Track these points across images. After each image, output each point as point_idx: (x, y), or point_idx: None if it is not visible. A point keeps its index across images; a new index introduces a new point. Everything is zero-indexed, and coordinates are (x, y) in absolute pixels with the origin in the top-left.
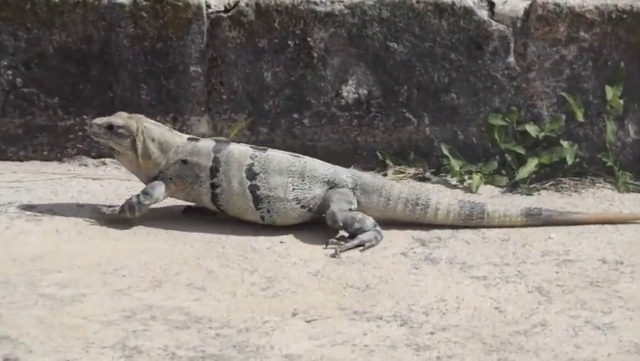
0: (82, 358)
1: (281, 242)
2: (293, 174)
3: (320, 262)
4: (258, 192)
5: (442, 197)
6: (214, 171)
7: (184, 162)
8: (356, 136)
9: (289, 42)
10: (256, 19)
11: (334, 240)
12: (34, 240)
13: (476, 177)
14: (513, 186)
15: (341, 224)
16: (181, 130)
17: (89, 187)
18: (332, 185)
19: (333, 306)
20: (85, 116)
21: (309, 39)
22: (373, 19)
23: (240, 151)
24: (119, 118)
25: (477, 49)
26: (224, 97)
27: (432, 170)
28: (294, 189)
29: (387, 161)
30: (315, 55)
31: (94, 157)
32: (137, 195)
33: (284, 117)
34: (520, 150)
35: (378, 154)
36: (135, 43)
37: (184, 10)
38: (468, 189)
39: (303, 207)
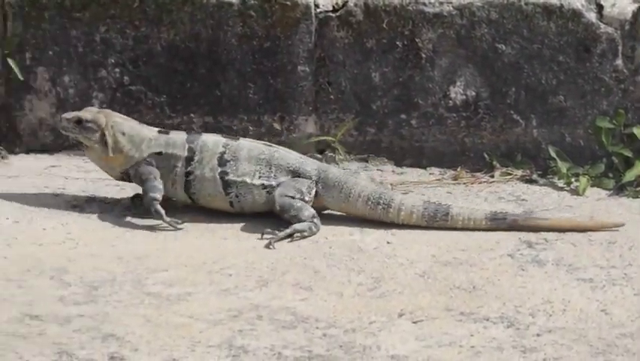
0: (188, 357)
1: (388, 242)
2: (261, 161)
3: (427, 262)
4: (226, 178)
5: (406, 198)
6: (189, 160)
7: (158, 153)
8: (463, 137)
9: (397, 43)
10: (364, 20)
11: (269, 230)
12: (141, 238)
13: (583, 180)
14: (620, 189)
15: (278, 208)
16: (288, 130)
17: None
18: (296, 174)
19: (440, 307)
20: (192, 115)
21: (417, 40)
22: (482, 20)
23: (214, 141)
24: (88, 113)
25: (585, 51)
26: (331, 97)
27: (539, 172)
28: (260, 176)
29: (495, 162)
30: (424, 56)
31: None
32: (146, 193)
33: (391, 118)
34: (628, 153)
35: (486, 156)
36: (243, 42)
37: (292, 9)
38: (575, 192)
39: (269, 193)
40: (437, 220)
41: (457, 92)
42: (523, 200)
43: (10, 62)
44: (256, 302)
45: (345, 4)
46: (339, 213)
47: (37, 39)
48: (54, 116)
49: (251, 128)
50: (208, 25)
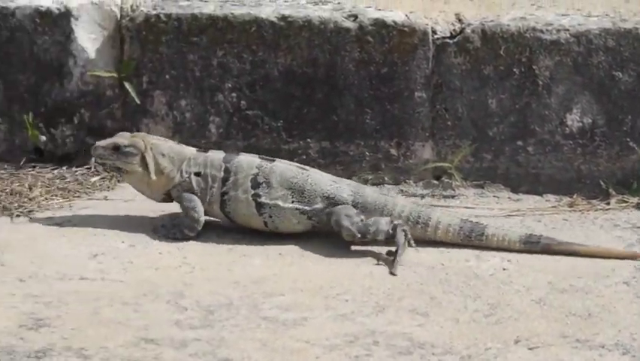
0: None
1: (503, 269)
2: (293, 185)
3: (543, 289)
4: (259, 200)
5: (444, 216)
6: (225, 180)
7: (197, 174)
8: (580, 164)
9: (514, 69)
10: (482, 46)
11: (385, 255)
12: (257, 263)
13: None
14: None
15: (359, 235)
16: (404, 156)
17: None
18: (331, 201)
19: (556, 334)
20: (309, 140)
21: (534, 67)
22: (599, 47)
23: (248, 162)
24: (124, 138)
25: None
26: (448, 123)
27: None
28: (293, 200)
29: (611, 190)
30: (540, 83)
31: None
32: (186, 215)
33: (508, 144)
34: None
35: (602, 183)
36: (361, 67)
37: (410, 35)
38: None
39: (302, 213)
40: (472, 239)
41: (574, 120)
42: (638, 227)
43: (127, 85)
44: (372, 328)
45: (462, 31)
46: None
47: (154, 63)
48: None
49: (367, 153)
50: (325, 51)
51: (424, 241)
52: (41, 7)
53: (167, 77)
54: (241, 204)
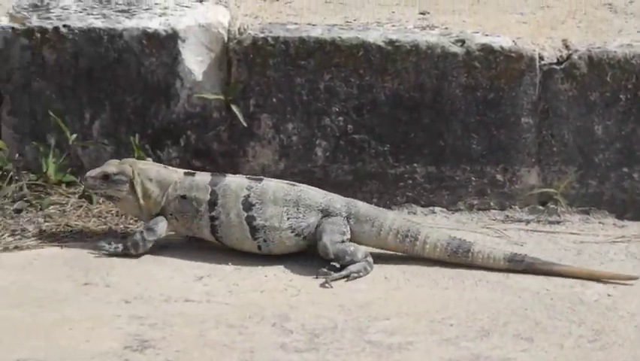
0: None
1: (608, 295)
2: (288, 203)
3: None
4: (254, 223)
5: (432, 231)
6: (212, 204)
7: (183, 197)
8: None
9: (620, 96)
10: (588, 72)
11: (324, 270)
12: (363, 286)
13: None
14: None
15: (332, 256)
16: (510, 181)
17: None
18: (326, 213)
19: None
20: (415, 165)
21: None
22: None
23: (237, 183)
24: (112, 166)
25: None
26: (554, 149)
27: None
28: (288, 218)
29: None
30: None
31: (423, 205)
32: (141, 232)
33: (613, 171)
34: None
35: None
36: (467, 92)
37: (517, 61)
38: None
39: (297, 235)
40: (459, 256)
41: None
42: None
43: (234, 108)
44: (477, 352)
45: (569, 57)
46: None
47: (261, 86)
48: (277, 164)
49: (473, 178)
50: (432, 75)
51: (412, 257)
52: (149, 28)
53: (274, 100)
54: (234, 228)
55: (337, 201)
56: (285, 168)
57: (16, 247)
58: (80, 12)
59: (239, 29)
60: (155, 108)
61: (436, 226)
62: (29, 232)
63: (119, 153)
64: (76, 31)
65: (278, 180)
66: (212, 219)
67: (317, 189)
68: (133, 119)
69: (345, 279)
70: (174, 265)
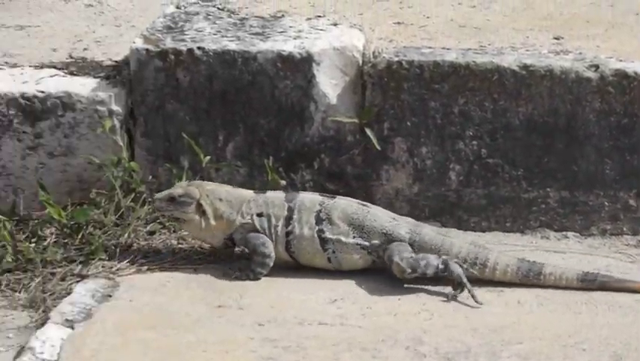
0: None
1: None
2: (354, 221)
3: None
4: (323, 235)
5: (501, 256)
6: (288, 219)
7: (259, 214)
8: None
9: None
10: None
11: (450, 294)
12: (496, 310)
13: None
14: None
15: (409, 270)
16: None
17: (551, 259)
18: (389, 238)
19: None
20: (548, 189)
21: None
22: None
23: (311, 199)
24: (179, 188)
25: None
26: None
27: None
28: (354, 236)
29: None
30: None
31: (556, 230)
32: (255, 253)
33: None
34: None
35: None
36: (601, 117)
37: None
38: None
39: (363, 248)
40: (530, 278)
41: None
42: None
43: (368, 131)
44: None
45: None
46: None
47: (395, 109)
48: (410, 187)
49: (606, 204)
50: (566, 100)
51: (482, 282)
52: (283, 51)
53: (408, 123)
54: (306, 241)
55: (402, 228)
56: (418, 191)
57: (149, 269)
58: (214, 34)
59: (373, 53)
60: (289, 131)
61: (569, 251)
62: (162, 253)
63: (252, 176)
64: (211, 53)
65: (350, 199)
66: (288, 234)
67: (387, 212)
68: (267, 141)
69: (464, 289)
70: (307, 287)
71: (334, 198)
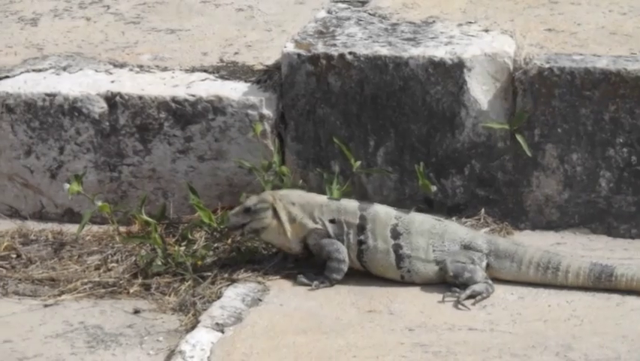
0: None
1: None
2: (433, 235)
3: None
4: (400, 251)
5: (573, 260)
6: (361, 228)
7: (332, 221)
8: None
9: None
10: None
11: (449, 293)
12: None
13: None
14: None
15: (451, 274)
16: None
17: None
18: (467, 248)
19: None
20: None
21: None
22: None
23: (386, 212)
24: (250, 199)
25: None
26: None
27: None
28: (434, 250)
29: None
30: None
31: None
32: (330, 259)
33: None
34: None
35: None
36: None
37: None
38: None
39: (441, 268)
40: (602, 281)
41: None
42: None
43: (519, 138)
44: None
45: None
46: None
47: (546, 116)
48: (561, 194)
49: None
50: None
51: (554, 287)
52: (435, 57)
53: (559, 130)
54: (380, 254)
55: (479, 238)
56: (569, 198)
57: (299, 273)
58: (366, 39)
59: (524, 59)
60: (439, 137)
61: None
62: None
63: (403, 181)
64: (362, 58)
65: (425, 214)
66: (360, 243)
67: (462, 225)
68: (417, 147)
69: (472, 300)
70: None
71: (409, 212)
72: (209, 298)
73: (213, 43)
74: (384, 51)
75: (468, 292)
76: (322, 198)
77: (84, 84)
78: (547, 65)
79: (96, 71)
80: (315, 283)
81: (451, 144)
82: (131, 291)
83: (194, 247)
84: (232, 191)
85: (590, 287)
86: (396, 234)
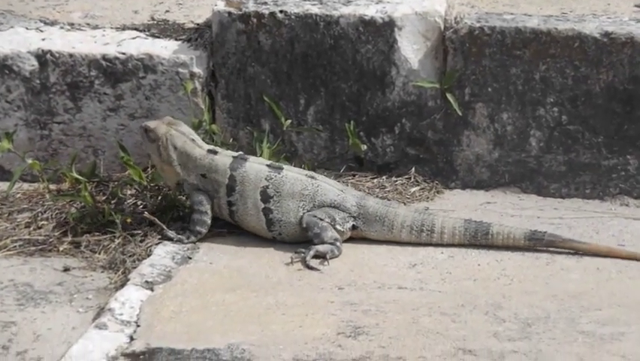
0: None
1: None
2: (304, 197)
3: None
4: (270, 215)
5: (447, 219)
6: (230, 189)
7: (203, 175)
8: None
9: None
10: None
11: (295, 253)
12: (575, 277)
13: None
14: None
15: (304, 225)
16: None
17: (630, 227)
18: (334, 208)
19: None
20: (628, 157)
21: None
22: None
23: (256, 172)
24: (153, 122)
25: None
26: None
27: None
28: (304, 212)
29: None
30: None
31: (636, 197)
32: (193, 224)
33: None
34: None
35: None
36: None
37: None
38: None
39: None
40: (478, 238)
41: None
42: None
43: (449, 97)
44: None
45: None
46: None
47: (476, 75)
48: (491, 153)
49: None
50: None
51: (433, 246)
52: (365, 15)
53: (489, 89)
54: (250, 217)
55: (349, 200)
56: (499, 157)
57: (229, 232)
58: None
59: (455, 18)
60: (370, 95)
61: None
62: None
63: (333, 140)
64: (293, 16)
65: (299, 170)
66: (230, 204)
67: (335, 183)
68: (348, 105)
69: (318, 260)
70: (388, 252)
71: (282, 169)
72: (138, 256)
73: (144, 1)
74: (315, 9)
75: (312, 252)
76: (200, 152)
77: (14, 42)
78: (477, 25)
79: (27, 28)
80: (179, 237)
81: (381, 102)
82: (61, 249)
83: (125, 205)
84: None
85: (467, 245)
86: (266, 197)
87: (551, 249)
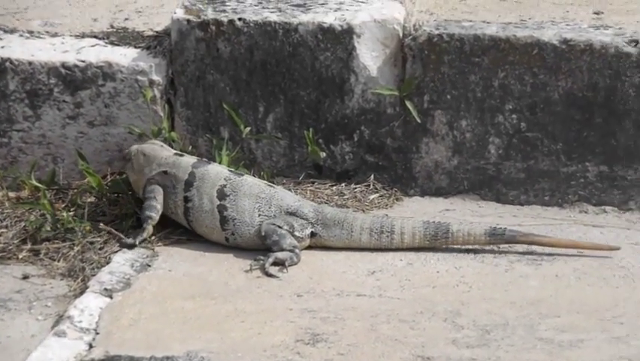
0: None
1: None
2: (261, 200)
3: None
4: (225, 213)
5: (406, 221)
6: (188, 185)
7: (165, 172)
8: None
9: None
10: None
11: (254, 261)
12: (534, 284)
13: None
14: None
15: (263, 234)
16: None
17: (589, 234)
18: (292, 215)
19: None
20: (587, 163)
21: None
22: None
23: (217, 172)
24: (130, 147)
25: None
26: None
27: None
28: (260, 215)
29: None
30: None
31: (594, 204)
32: (143, 210)
33: None
34: None
35: None
36: None
37: None
38: None
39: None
40: (439, 239)
41: None
42: None
43: (408, 104)
44: None
45: None
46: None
47: (435, 82)
48: (450, 160)
49: None
50: (606, 75)
51: (393, 251)
52: (324, 23)
53: (448, 96)
54: (205, 214)
55: (306, 207)
56: (458, 164)
57: (188, 240)
58: (256, 5)
59: (414, 26)
60: (329, 103)
61: (607, 225)
62: None
63: (292, 147)
64: (252, 24)
65: (258, 179)
66: (186, 200)
67: (291, 193)
68: (307, 113)
69: (277, 268)
70: (347, 260)
71: (242, 175)
72: (98, 263)
73: (104, 9)
74: (274, 17)
75: (270, 260)
76: (167, 153)
77: None
78: (436, 32)
79: None
80: (132, 240)
81: (340, 110)
82: (20, 256)
83: (83, 213)
84: (122, 157)
85: (427, 246)
86: (222, 195)
87: (510, 256)
